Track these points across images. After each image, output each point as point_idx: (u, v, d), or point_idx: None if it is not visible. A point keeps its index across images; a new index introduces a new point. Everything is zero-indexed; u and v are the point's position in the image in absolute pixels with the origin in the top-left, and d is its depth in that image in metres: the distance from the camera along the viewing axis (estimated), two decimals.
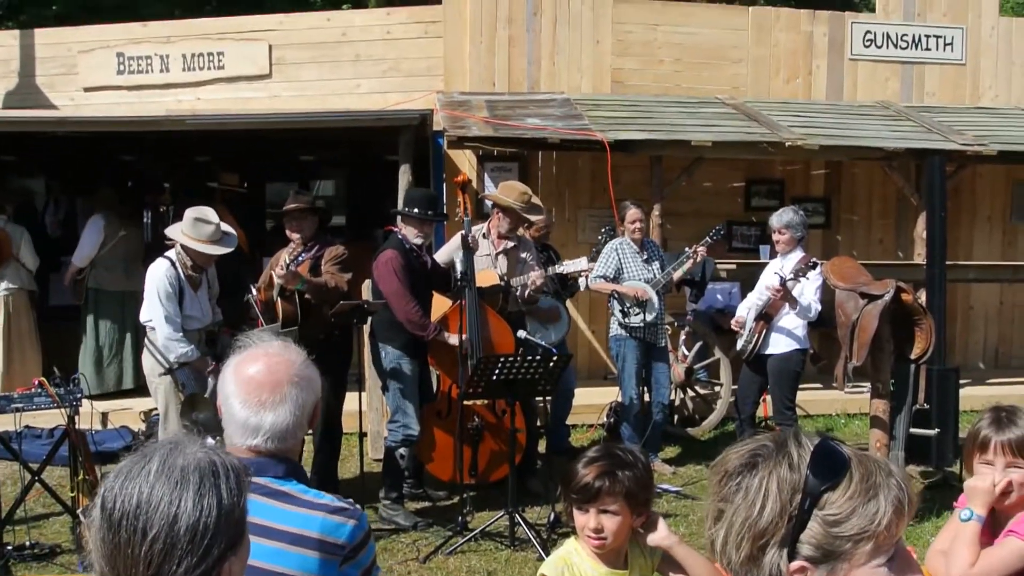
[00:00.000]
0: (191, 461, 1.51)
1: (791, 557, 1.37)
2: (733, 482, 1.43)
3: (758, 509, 1.38)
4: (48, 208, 11.01)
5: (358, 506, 2.16)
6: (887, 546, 1.37)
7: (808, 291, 6.51)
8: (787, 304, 6.49)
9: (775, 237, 6.75)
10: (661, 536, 2.56)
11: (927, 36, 10.24)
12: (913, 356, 5.69)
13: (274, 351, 2.13)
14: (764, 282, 6.82)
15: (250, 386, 2.07)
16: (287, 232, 6.08)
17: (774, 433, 1.47)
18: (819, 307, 6.60)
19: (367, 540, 2.11)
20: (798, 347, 6.62)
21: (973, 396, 8.23)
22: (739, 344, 6.83)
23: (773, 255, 6.95)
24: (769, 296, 6.55)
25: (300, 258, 5.90)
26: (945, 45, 10.27)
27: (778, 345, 6.61)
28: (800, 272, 6.45)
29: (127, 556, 1.44)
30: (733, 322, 6.89)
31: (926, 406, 6.25)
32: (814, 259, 6.65)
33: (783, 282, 6.43)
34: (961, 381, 6.82)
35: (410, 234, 5.88)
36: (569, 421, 8.12)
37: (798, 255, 6.65)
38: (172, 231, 5.86)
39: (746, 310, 6.85)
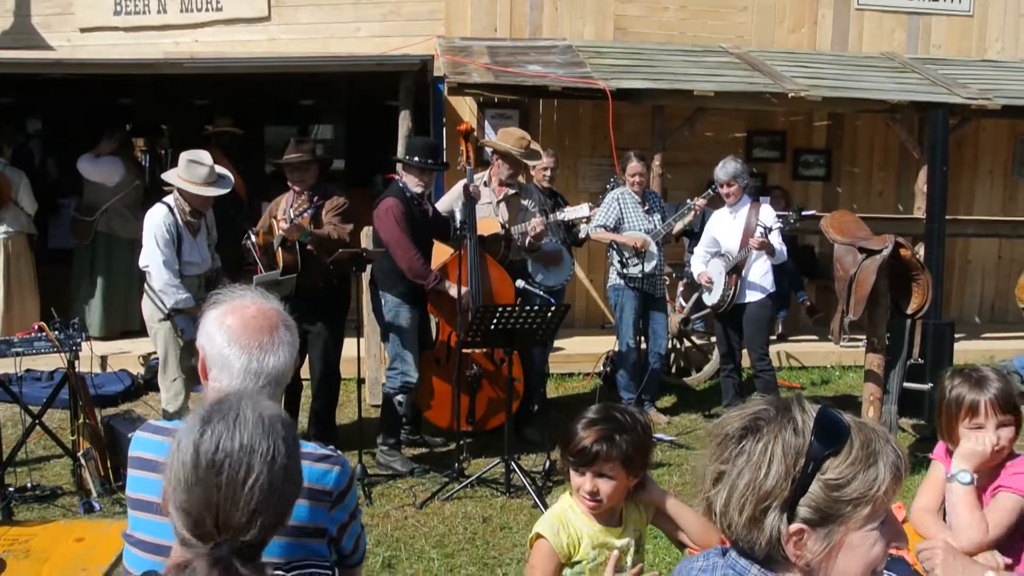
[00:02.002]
0: (270, 413, 1.60)
1: (790, 520, 1.39)
2: (735, 445, 1.45)
3: (763, 472, 1.40)
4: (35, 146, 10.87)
5: (339, 451, 2.19)
6: (882, 511, 1.40)
7: (773, 237, 6.66)
8: (764, 253, 6.65)
9: (724, 190, 6.86)
10: (653, 494, 2.60)
11: None
12: (909, 311, 5.70)
13: (256, 298, 2.12)
14: (711, 234, 6.98)
15: (248, 330, 2.05)
16: (288, 182, 6.04)
17: (773, 398, 1.49)
18: (785, 248, 6.80)
19: (351, 484, 2.15)
20: (769, 293, 6.82)
21: (968, 351, 8.28)
22: (709, 299, 6.98)
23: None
24: (751, 248, 6.65)
25: (304, 213, 5.84)
26: None
27: (753, 294, 6.78)
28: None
29: (227, 498, 1.48)
30: (699, 279, 7.00)
31: (920, 360, 6.28)
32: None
33: (766, 233, 6.56)
34: (956, 335, 6.84)
35: (411, 182, 5.85)
36: (565, 370, 8.20)
37: (746, 204, 6.78)
38: (169, 176, 5.84)
39: (703, 264, 6.98)
